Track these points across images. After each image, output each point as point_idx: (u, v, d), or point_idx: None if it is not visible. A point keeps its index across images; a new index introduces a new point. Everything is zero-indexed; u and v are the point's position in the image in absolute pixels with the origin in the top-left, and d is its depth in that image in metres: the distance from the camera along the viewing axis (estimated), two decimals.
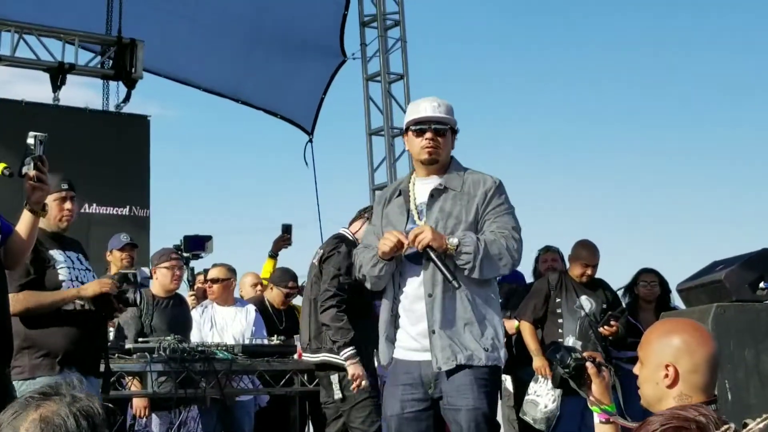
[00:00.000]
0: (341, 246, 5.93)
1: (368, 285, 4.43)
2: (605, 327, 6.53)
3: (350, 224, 6.17)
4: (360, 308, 5.82)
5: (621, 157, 24.19)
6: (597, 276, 6.85)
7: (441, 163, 4.35)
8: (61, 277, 4.63)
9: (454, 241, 4.10)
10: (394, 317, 4.36)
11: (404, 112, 12.01)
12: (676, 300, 6.73)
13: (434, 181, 4.34)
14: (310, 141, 12.36)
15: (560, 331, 6.63)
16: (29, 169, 3.97)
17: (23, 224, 4.12)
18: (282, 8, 11.31)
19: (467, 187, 4.29)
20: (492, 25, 24.14)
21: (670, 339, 2.70)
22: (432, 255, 4.11)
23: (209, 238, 7.67)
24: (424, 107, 4.34)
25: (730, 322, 4.62)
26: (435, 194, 4.29)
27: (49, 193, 4.33)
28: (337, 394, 5.92)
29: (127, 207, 10.13)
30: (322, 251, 6.02)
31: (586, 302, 6.65)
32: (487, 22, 24.15)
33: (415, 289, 4.26)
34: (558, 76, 22.97)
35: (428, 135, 4.27)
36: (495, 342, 4.23)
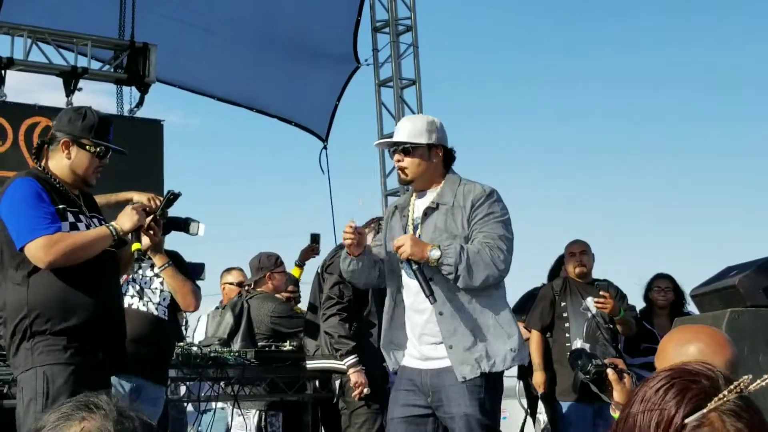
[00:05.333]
0: (342, 253, 5.94)
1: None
2: (595, 300, 6.46)
3: None
4: (361, 315, 5.84)
5: (637, 162, 24.19)
6: (604, 278, 6.80)
7: (428, 179, 4.40)
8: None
9: (436, 253, 4.14)
10: (394, 326, 4.47)
11: None
12: (691, 305, 6.69)
13: (429, 198, 4.41)
14: (325, 148, 12.33)
15: (567, 335, 6.62)
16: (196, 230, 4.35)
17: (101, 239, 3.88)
18: (294, 16, 11.29)
19: (458, 200, 4.33)
20: (505, 29, 24.19)
21: (686, 348, 2.67)
22: (413, 267, 4.17)
23: (202, 266, 7.48)
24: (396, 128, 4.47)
25: (744, 327, 4.59)
26: (428, 212, 4.36)
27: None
28: (341, 402, 5.94)
29: None
30: (324, 259, 6.07)
31: (592, 304, 6.61)
32: (500, 27, 24.20)
33: (412, 301, 4.36)
34: (572, 80, 22.98)
35: (396, 157, 4.38)
36: (488, 351, 4.26)
